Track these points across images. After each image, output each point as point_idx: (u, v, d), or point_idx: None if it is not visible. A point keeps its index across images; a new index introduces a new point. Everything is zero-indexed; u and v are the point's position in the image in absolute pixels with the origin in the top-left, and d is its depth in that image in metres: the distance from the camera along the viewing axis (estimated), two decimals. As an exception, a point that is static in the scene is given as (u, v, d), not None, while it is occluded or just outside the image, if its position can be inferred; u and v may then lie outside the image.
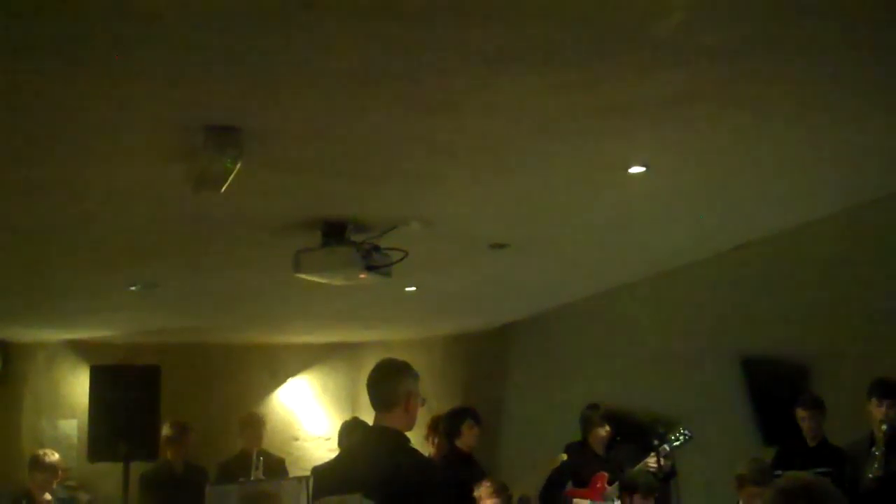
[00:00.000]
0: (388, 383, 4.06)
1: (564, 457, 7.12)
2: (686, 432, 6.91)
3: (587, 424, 7.34)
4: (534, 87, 3.81)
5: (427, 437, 7.67)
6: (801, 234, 6.65)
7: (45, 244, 6.18)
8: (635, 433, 7.33)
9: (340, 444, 7.51)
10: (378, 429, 4.09)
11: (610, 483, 7.04)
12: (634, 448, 7.24)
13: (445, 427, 7.29)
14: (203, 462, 8.31)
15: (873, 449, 5.76)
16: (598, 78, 3.75)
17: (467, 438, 7.10)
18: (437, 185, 5.30)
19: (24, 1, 2.88)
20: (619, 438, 7.36)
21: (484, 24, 3.19)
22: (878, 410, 5.79)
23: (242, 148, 4.08)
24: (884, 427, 5.72)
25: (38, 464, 7.22)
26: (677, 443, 6.90)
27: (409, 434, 4.12)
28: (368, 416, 4.25)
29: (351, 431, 7.32)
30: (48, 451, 7.41)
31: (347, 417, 8.55)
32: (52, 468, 7.19)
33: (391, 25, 3.17)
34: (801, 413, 6.27)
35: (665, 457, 6.84)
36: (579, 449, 7.30)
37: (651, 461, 6.85)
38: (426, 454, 6.88)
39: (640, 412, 7.84)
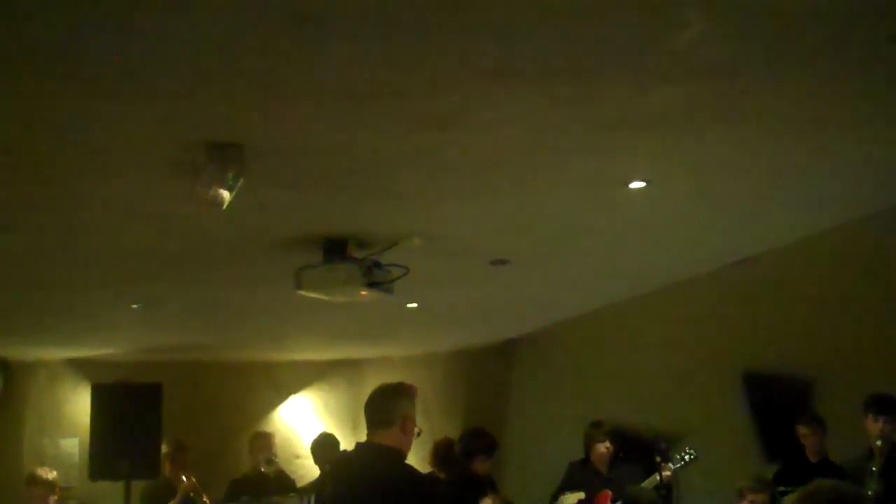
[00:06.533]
0: (388, 402, 4.11)
1: (582, 495, 7.00)
2: (691, 452, 6.89)
3: (588, 441, 7.29)
4: (533, 101, 3.81)
5: (432, 465, 7.33)
6: (803, 248, 6.64)
7: (46, 262, 6.17)
8: (638, 450, 7.30)
9: (317, 460, 7.42)
10: (372, 446, 4.11)
11: (614, 501, 6.99)
12: (637, 465, 7.21)
13: (462, 448, 7.10)
14: (206, 478, 8.29)
15: (870, 465, 5.73)
16: (598, 93, 3.76)
17: (479, 468, 6.98)
18: (438, 201, 5.31)
19: (23, 18, 2.88)
20: (621, 456, 7.31)
21: (482, 38, 3.19)
22: (874, 426, 5.75)
23: (244, 165, 4.08)
24: (878, 443, 5.69)
25: (34, 480, 7.20)
26: (681, 462, 6.87)
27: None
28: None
29: (329, 448, 7.26)
30: (46, 469, 7.39)
31: (349, 434, 8.52)
32: (49, 484, 7.16)
33: (389, 40, 3.18)
34: (802, 430, 6.28)
35: (669, 474, 6.81)
36: (581, 466, 7.25)
37: (654, 478, 6.83)
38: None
39: (642, 428, 7.83)
